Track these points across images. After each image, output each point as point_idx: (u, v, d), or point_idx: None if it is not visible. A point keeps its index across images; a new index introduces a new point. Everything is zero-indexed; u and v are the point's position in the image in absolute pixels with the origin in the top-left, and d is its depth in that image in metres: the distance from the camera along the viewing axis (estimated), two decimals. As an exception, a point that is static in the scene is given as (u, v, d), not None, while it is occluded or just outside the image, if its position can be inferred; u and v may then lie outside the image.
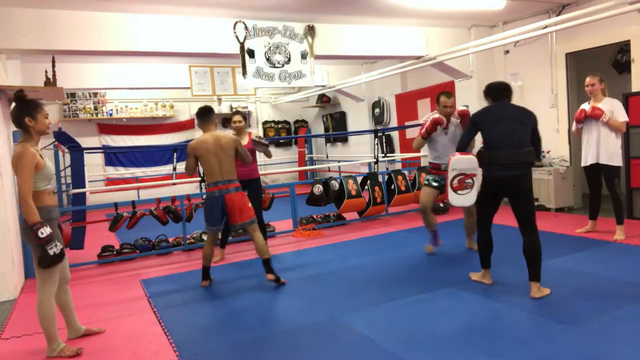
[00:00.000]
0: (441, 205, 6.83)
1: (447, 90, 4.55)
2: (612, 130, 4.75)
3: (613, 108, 4.76)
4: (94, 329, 3.35)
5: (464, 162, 3.57)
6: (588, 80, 4.89)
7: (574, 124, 5.05)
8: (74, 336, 3.26)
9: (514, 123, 3.45)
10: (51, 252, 2.80)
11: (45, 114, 2.96)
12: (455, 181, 3.60)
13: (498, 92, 3.63)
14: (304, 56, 6.33)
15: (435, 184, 4.59)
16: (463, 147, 3.66)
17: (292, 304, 3.76)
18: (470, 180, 3.59)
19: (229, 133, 4.42)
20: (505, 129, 3.42)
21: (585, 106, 4.93)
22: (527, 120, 3.50)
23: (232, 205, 4.12)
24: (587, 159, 4.92)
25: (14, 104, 2.95)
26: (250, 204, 4.23)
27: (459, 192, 3.64)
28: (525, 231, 3.45)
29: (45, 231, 2.79)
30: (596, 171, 4.93)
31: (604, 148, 4.79)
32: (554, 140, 6.90)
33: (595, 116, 4.76)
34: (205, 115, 4.28)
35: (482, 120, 3.54)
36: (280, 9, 5.76)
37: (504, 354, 2.62)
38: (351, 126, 11.33)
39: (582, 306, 3.21)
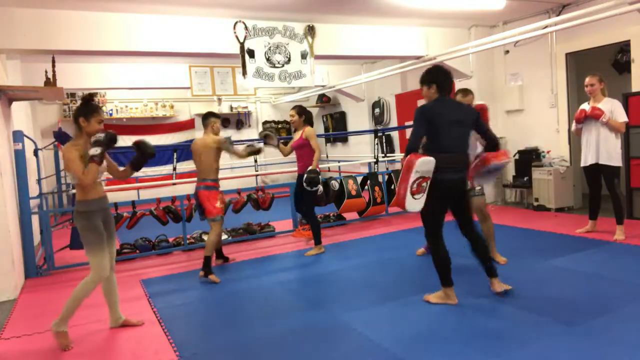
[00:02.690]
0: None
1: (465, 88, 4.43)
2: (611, 130, 4.76)
3: (613, 108, 4.76)
4: (132, 320, 3.43)
5: (428, 165, 3.22)
6: (587, 80, 4.90)
7: (574, 124, 5.05)
8: (114, 325, 3.37)
9: (460, 127, 3.34)
10: (98, 137, 3.06)
11: (99, 120, 3.15)
12: (415, 185, 3.25)
13: (446, 84, 3.35)
14: (304, 56, 6.33)
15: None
16: (416, 147, 3.29)
17: (292, 304, 3.76)
18: (425, 184, 3.25)
19: (218, 136, 4.74)
20: (455, 134, 3.30)
21: (585, 106, 4.93)
22: (470, 122, 3.39)
23: (200, 200, 4.66)
24: (587, 159, 4.92)
25: (79, 103, 3.23)
26: (216, 204, 4.60)
27: (415, 196, 3.24)
28: (468, 231, 3.45)
29: (93, 150, 3.02)
30: (596, 171, 4.93)
31: (603, 148, 4.79)
32: (554, 140, 6.91)
33: (595, 116, 4.76)
34: (203, 119, 4.85)
35: (433, 120, 3.27)
36: (280, 9, 5.75)
37: (504, 354, 2.62)
38: (351, 126, 11.33)
39: (582, 306, 3.21)
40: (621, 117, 4.76)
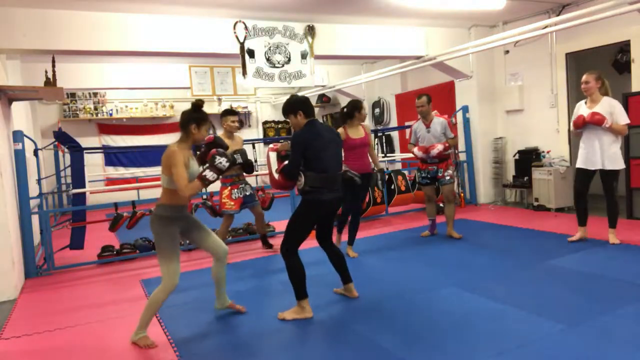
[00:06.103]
0: (441, 205, 6.83)
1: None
2: (613, 133, 4.48)
3: (612, 110, 4.45)
4: (237, 306, 3.56)
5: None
6: (584, 77, 4.58)
7: (573, 128, 4.74)
8: (219, 307, 3.54)
9: (336, 147, 3.47)
10: (220, 166, 3.00)
11: (207, 128, 3.16)
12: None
13: (310, 108, 3.43)
14: (304, 56, 6.33)
15: (425, 181, 5.39)
16: (295, 175, 3.32)
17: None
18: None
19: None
20: (332, 153, 3.39)
21: (582, 107, 4.64)
22: (340, 142, 3.65)
23: None
24: (589, 164, 4.61)
25: (190, 109, 3.12)
26: (222, 200, 4.96)
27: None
28: (327, 245, 3.65)
29: (210, 174, 2.97)
30: (592, 177, 4.65)
31: (607, 153, 4.50)
32: (554, 140, 6.91)
33: (597, 122, 4.42)
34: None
35: (311, 145, 3.28)
36: (280, 9, 5.76)
37: (504, 354, 2.62)
38: (351, 126, 11.32)
39: (582, 306, 3.22)
40: (622, 119, 4.45)
